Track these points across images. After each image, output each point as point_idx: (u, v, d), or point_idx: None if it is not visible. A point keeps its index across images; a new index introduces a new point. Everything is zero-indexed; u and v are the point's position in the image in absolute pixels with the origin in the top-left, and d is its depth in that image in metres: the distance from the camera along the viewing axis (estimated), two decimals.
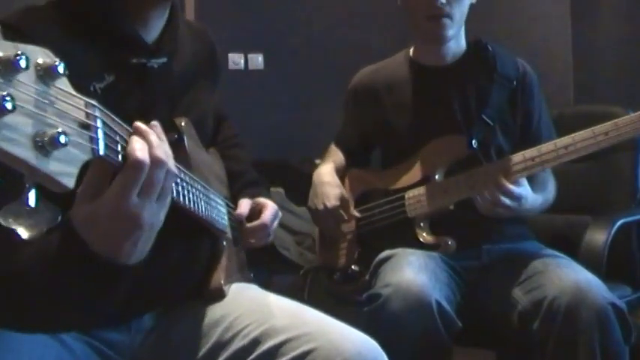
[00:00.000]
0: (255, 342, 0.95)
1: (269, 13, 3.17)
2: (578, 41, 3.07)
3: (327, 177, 1.74)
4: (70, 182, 0.57)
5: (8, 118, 0.50)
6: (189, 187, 0.91)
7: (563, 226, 2.04)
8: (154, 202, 0.71)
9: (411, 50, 1.79)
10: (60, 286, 0.73)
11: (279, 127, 3.08)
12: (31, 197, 0.57)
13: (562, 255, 1.57)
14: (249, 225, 1.20)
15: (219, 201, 1.10)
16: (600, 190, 2.04)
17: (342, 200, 1.70)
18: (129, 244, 0.71)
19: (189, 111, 1.07)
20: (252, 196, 1.24)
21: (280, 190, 2.74)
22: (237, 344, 0.97)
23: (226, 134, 1.36)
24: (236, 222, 1.19)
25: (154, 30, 1.00)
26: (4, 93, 0.49)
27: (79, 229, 0.69)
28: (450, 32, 1.63)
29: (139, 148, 0.68)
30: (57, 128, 0.55)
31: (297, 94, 3.16)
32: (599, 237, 1.71)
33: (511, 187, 1.48)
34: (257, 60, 3.18)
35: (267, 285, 1.20)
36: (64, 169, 0.56)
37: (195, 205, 0.94)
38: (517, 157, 1.55)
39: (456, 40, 1.69)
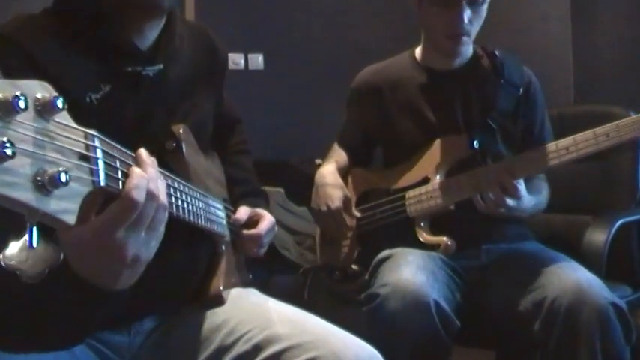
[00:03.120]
0: (257, 348, 0.95)
1: (269, 13, 3.17)
2: (578, 41, 3.07)
3: (330, 178, 1.74)
4: (71, 219, 0.56)
5: (8, 163, 0.49)
6: (189, 199, 0.90)
7: (563, 226, 2.04)
8: (141, 234, 0.68)
9: (417, 51, 1.79)
10: (43, 304, 0.70)
11: (279, 127, 3.08)
12: (34, 237, 0.55)
13: (562, 255, 1.56)
14: (244, 232, 1.20)
15: (218, 205, 1.10)
16: (600, 190, 2.04)
17: (345, 201, 1.70)
18: (111, 275, 0.69)
19: (187, 116, 1.06)
20: (251, 205, 1.24)
21: (280, 190, 2.74)
22: (239, 349, 0.97)
23: (237, 139, 1.36)
24: (234, 225, 1.19)
25: (149, 37, 0.99)
26: (4, 139, 0.48)
27: (65, 250, 0.66)
28: (466, 48, 1.65)
29: (136, 186, 0.65)
30: (58, 166, 0.53)
31: (297, 94, 3.15)
32: (599, 237, 1.71)
33: (516, 185, 1.49)
34: (257, 60, 3.18)
35: (266, 285, 1.20)
36: (65, 207, 0.55)
37: (194, 216, 0.93)
38: (518, 158, 1.55)
39: None
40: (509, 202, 1.50)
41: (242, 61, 3.15)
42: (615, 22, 2.92)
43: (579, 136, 1.50)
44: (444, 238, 1.59)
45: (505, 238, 1.67)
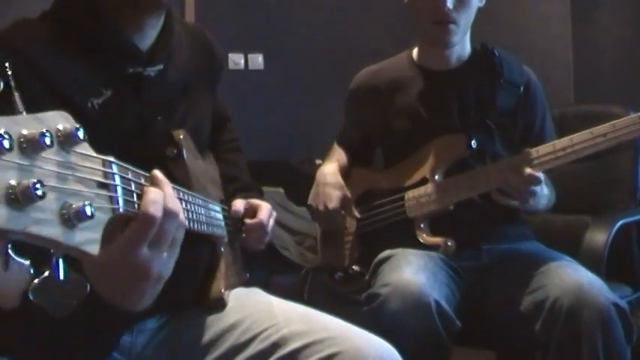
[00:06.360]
0: (276, 345, 0.96)
1: (269, 13, 3.17)
2: (578, 41, 3.07)
3: (331, 177, 1.74)
4: (95, 249, 0.56)
5: (38, 202, 0.48)
6: (191, 207, 0.90)
7: (563, 227, 2.04)
8: (164, 253, 0.70)
9: (415, 52, 1.78)
10: (63, 327, 0.70)
11: (279, 127, 3.07)
12: (60, 269, 0.55)
13: (563, 255, 1.56)
14: (247, 222, 1.19)
15: (217, 208, 1.10)
16: (600, 190, 2.04)
17: (344, 202, 1.70)
18: (136, 294, 0.71)
19: (186, 119, 1.06)
20: (244, 198, 1.24)
21: (280, 190, 2.74)
22: (256, 347, 0.97)
23: (228, 137, 1.36)
24: (232, 223, 1.19)
25: (148, 37, 0.99)
26: (34, 180, 0.47)
27: (87, 273, 0.66)
28: (456, 38, 1.63)
29: (152, 201, 0.66)
30: (82, 198, 0.53)
31: (297, 94, 3.15)
32: (599, 237, 1.71)
33: (534, 172, 1.45)
34: (257, 60, 3.18)
35: (266, 285, 1.20)
36: (88, 237, 0.55)
37: (198, 223, 0.93)
38: (517, 157, 1.55)
39: (461, 44, 1.69)
40: (535, 188, 1.47)
41: (242, 61, 3.15)
42: (615, 22, 2.92)
43: (576, 137, 1.49)
44: (444, 239, 1.59)
45: (505, 238, 1.67)
